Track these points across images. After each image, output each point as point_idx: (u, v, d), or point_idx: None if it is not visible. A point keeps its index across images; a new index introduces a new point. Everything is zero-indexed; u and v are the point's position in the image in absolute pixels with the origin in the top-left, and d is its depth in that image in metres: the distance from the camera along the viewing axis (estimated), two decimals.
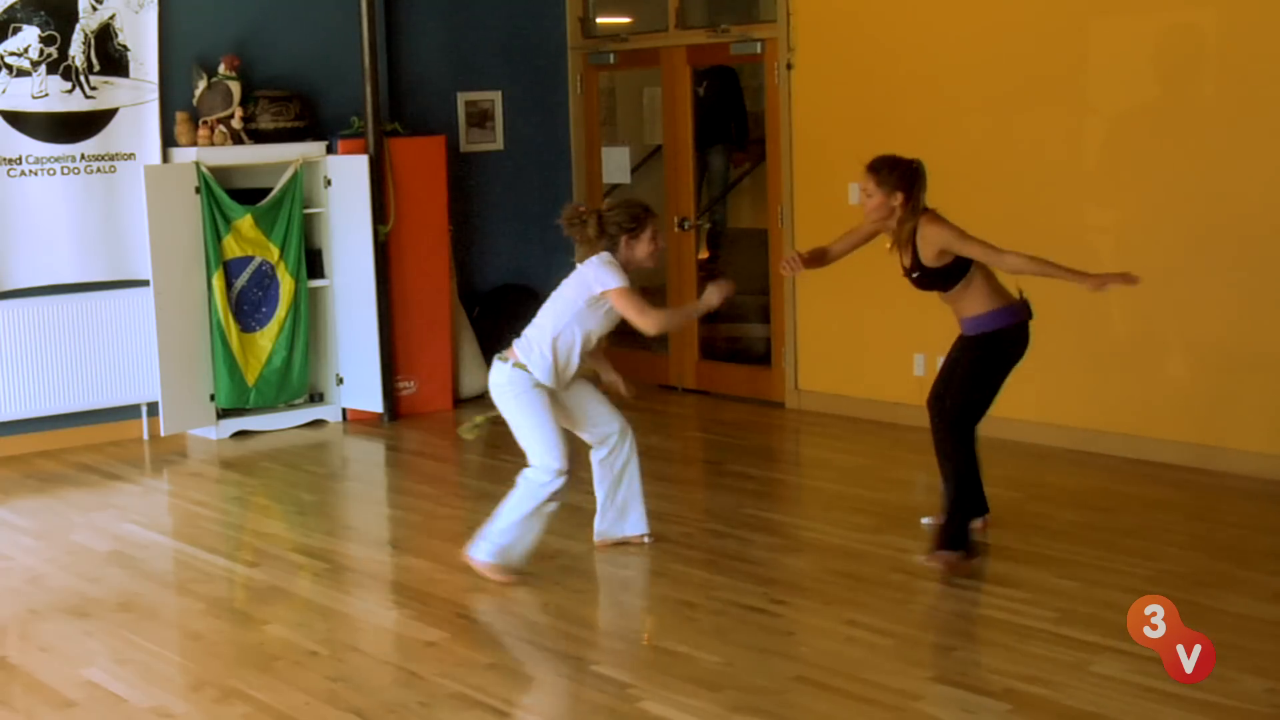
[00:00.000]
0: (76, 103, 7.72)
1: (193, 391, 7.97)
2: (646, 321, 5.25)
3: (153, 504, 6.96)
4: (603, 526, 5.73)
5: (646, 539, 5.73)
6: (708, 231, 9.76)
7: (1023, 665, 4.44)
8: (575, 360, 5.37)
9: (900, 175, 5.39)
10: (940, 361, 7.69)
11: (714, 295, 5.28)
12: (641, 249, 5.35)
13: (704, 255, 5.99)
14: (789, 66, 8.27)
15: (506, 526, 5.27)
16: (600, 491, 5.68)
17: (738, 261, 9.71)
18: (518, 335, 5.46)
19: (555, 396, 5.36)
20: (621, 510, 5.69)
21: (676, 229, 9.09)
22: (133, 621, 5.12)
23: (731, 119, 9.92)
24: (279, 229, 8.12)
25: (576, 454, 5.40)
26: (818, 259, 5.77)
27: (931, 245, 5.32)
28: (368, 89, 8.40)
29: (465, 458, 8.07)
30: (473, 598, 5.33)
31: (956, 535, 5.41)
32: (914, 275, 5.46)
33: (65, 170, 7.73)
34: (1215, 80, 6.67)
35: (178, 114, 7.99)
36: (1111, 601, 4.89)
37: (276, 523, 6.74)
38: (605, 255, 5.30)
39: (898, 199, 5.37)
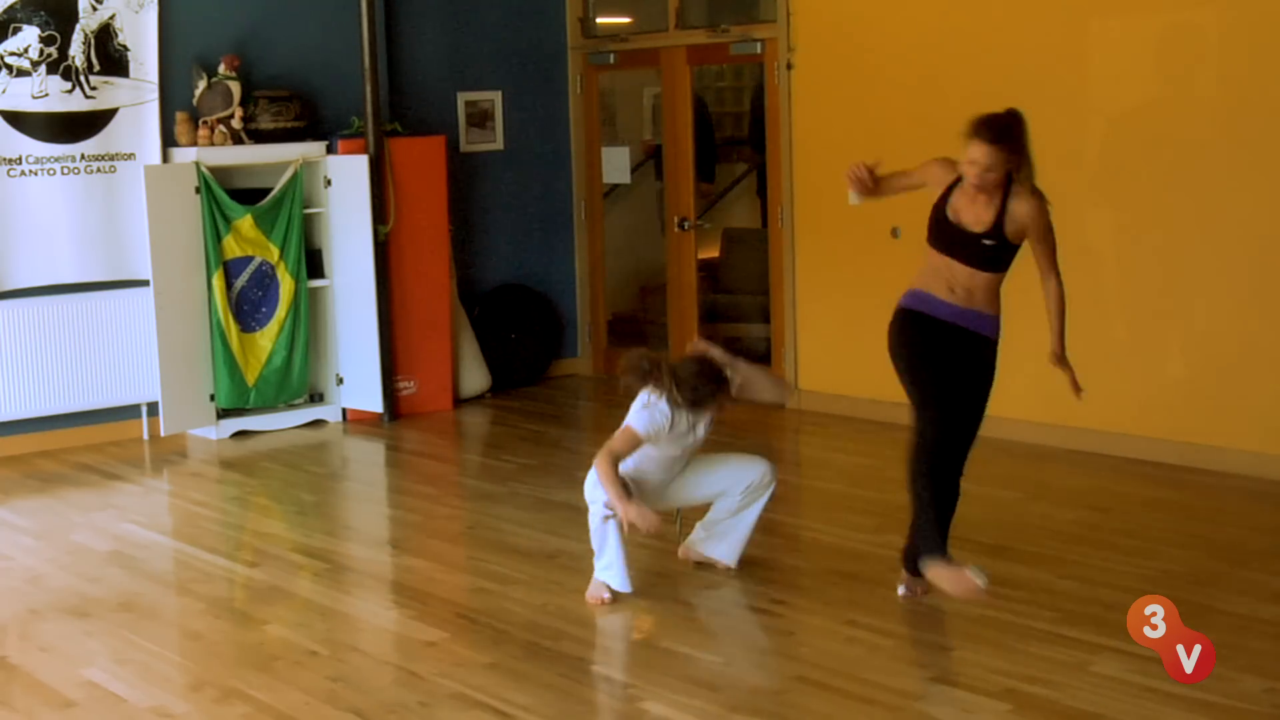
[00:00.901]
0: (76, 103, 7.72)
1: (193, 391, 7.97)
2: (600, 458, 5.01)
3: (153, 504, 6.96)
4: (695, 536, 5.45)
5: (731, 568, 5.38)
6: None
7: (1023, 665, 4.44)
8: (644, 485, 5.17)
9: (1016, 137, 4.72)
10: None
11: (634, 515, 4.90)
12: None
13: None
14: (789, 66, 8.27)
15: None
16: (718, 507, 5.35)
17: (738, 261, 9.71)
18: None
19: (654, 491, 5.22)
20: (722, 533, 5.37)
21: (676, 229, 9.09)
22: (133, 621, 5.12)
23: (698, 153, 9.70)
24: (279, 229, 8.12)
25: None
26: (876, 187, 5.12)
27: (1019, 220, 4.72)
28: (368, 89, 8.39)
29: (465, 458, 8.08)
30: (473, 598, 5.33)
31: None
32: (986, 241, 4.74)
33: (65, 170, 7.73)
34: (1215, 80, 6.67)
35: (178, 114, 7.99)
36: (1111, 601, 4.89)
37: (276, 523, 6.74)
38: (650, 396, 5.06)
39: (1014, 162, 4.73)
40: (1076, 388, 4.89)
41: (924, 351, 4.81)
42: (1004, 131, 4.70)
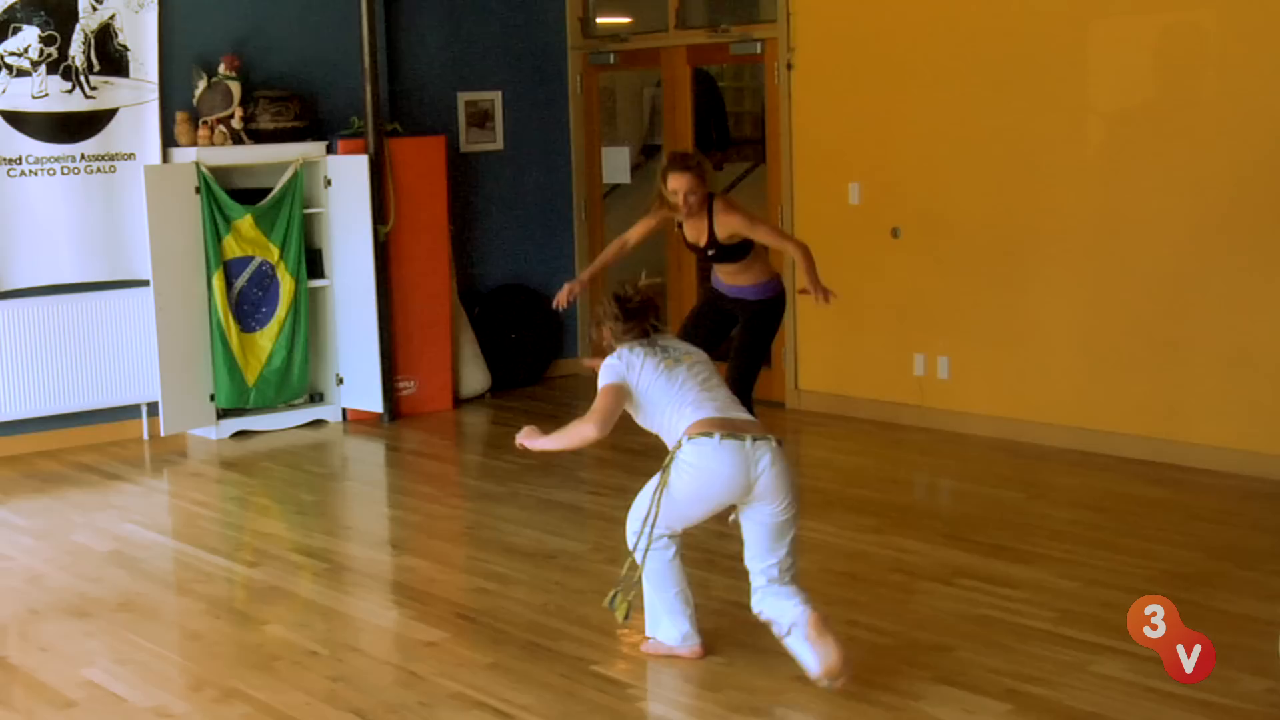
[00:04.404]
0: (76, 103, 7.72)
1: (193, 391, 7.96)
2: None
3: (153, 504, 6.96)
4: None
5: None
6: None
7: (1023, 665, 4.44)
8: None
9: (702, 166, 6.01)
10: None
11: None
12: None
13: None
14: (789, 66, 8.27)
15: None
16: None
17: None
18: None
19: None
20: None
21: (677, 229, 9.06)
22: (133, 621, 5.12)
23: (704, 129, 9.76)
24: (279, 229, 8.12)
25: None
26: (607, 264, 6.45)
27: (726, 228, 5.97)
28: (368, 89, 8.39)
29: (465, 458, 8.08)
30: (473, 598, 5.33)
31: None
32: (709, 252, 6.08)
33: (65, 170, 7.73)
34: (1215, 80, 6.67)
35: (178, 114, 7.99)
36: (1111, 601, 4.89)
37: (276, 523, 6.74)
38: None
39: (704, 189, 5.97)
40: (825, 295, 6.00)
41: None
42: (696, 160, 5.99)
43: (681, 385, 4.44)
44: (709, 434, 4.31)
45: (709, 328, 6.27)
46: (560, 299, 6.16)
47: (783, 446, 4.44)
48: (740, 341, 6.24)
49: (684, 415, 4.40)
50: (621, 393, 4.44)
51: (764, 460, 4.33)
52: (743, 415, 4.45)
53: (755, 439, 4.34)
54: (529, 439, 4.54)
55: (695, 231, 6.12)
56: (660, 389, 4.44)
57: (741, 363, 6.20)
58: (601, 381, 4.48)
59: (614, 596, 4.51)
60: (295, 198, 8.18)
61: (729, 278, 6.23)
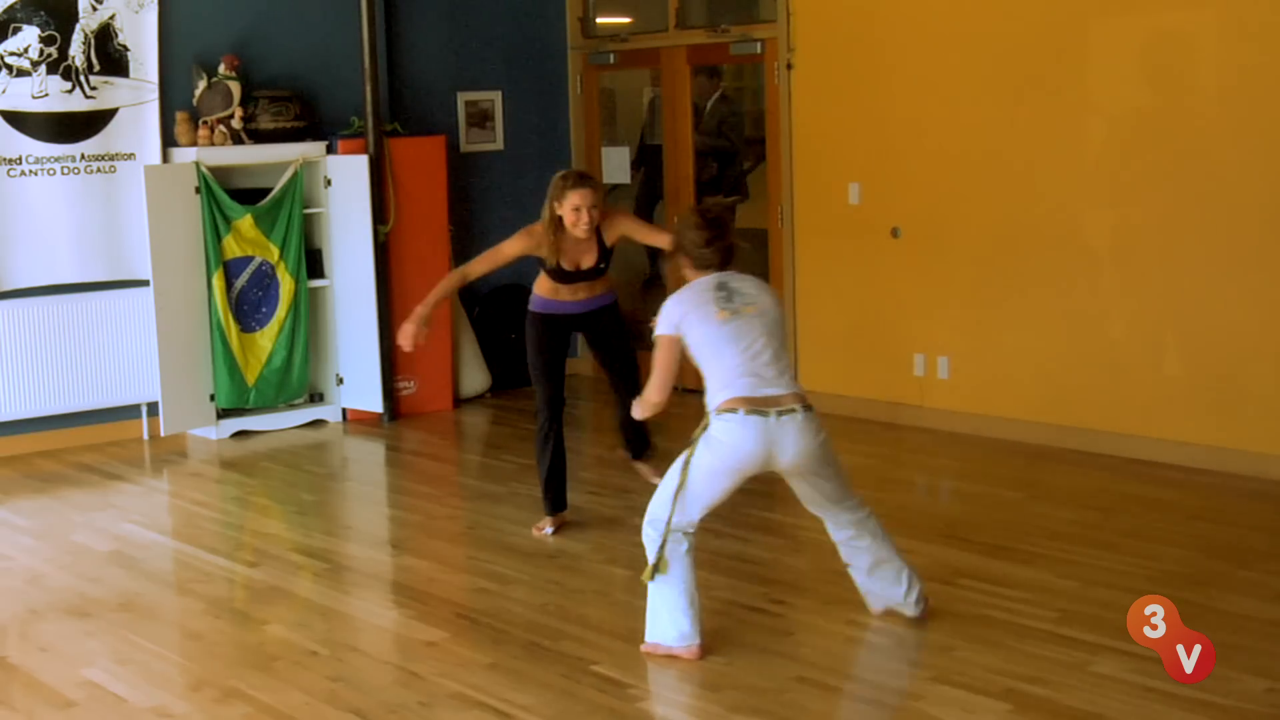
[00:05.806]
0: (76, 103, 7.72)
1: (193, 391, 7.97)
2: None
3: (153, 504, 6.96)
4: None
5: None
6: None
7: (1023, 665, 4.44)
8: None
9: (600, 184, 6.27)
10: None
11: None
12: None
13: None
14: (789, 66, 8.27)
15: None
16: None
17: (737, 261, 9.69)
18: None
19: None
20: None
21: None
22: (133, 621, 5.12)
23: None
24: (279, 229, 8.12)
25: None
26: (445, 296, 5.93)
27: (615, 232, 5.84)
28: (368, 89, 8.40)
29: (465, 458, 8.07)
30: (473, 598, 5.33)
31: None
32: (601, 266, 5.87)
33: (65, 170, 7.73)
34: (1215, 80, 6.67)
35: (178, 114, 7.99)
36: (1111, 601, 4.89)
37: (276, 523, 6.74)
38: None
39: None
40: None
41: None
42: (591, 175, 5.92)
43: (727, 348, 4.49)
44: (734, 410, 4.42)
45: (558, 362, 5.99)
46: (406, 341, 5.62)
47: (812, 411, 4.49)
48: (622, 359, 6.09)
49: (717, 387, 4.49)
50: (677, 345, 4.57)
51: (789, 434, 4.43)
52: (777, 389, 4.46)
53: (780, 413, 4.42)
54: (638, 412, 4.73)
55: (581, 252, 5.79)
56: (709, 345, 4.51)
57: (633, 379, 5.98)
58: (658, 329, 4.59)
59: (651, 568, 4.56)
60: (295, 198, 8.18)
61: (585, 293, 5.91)
